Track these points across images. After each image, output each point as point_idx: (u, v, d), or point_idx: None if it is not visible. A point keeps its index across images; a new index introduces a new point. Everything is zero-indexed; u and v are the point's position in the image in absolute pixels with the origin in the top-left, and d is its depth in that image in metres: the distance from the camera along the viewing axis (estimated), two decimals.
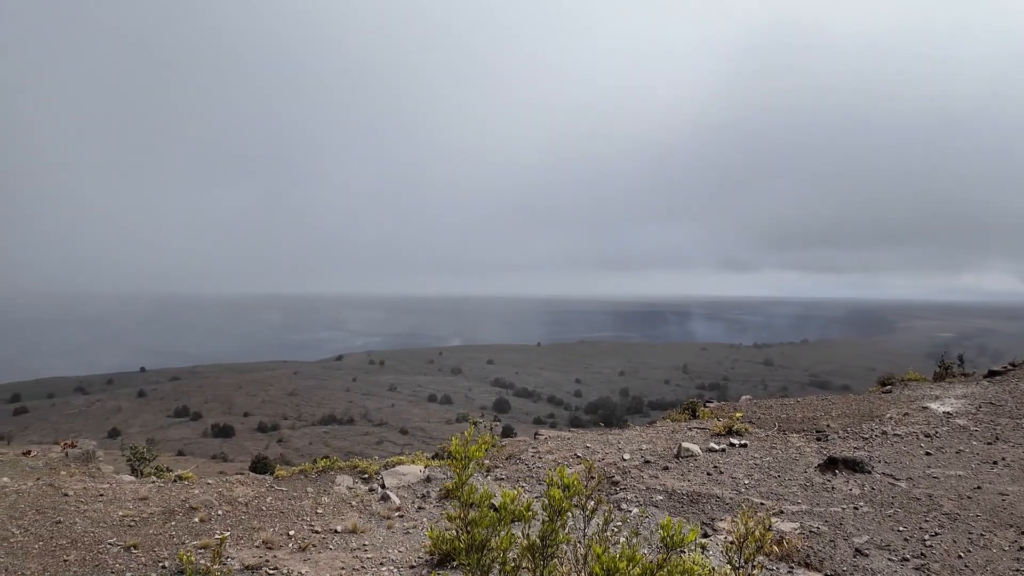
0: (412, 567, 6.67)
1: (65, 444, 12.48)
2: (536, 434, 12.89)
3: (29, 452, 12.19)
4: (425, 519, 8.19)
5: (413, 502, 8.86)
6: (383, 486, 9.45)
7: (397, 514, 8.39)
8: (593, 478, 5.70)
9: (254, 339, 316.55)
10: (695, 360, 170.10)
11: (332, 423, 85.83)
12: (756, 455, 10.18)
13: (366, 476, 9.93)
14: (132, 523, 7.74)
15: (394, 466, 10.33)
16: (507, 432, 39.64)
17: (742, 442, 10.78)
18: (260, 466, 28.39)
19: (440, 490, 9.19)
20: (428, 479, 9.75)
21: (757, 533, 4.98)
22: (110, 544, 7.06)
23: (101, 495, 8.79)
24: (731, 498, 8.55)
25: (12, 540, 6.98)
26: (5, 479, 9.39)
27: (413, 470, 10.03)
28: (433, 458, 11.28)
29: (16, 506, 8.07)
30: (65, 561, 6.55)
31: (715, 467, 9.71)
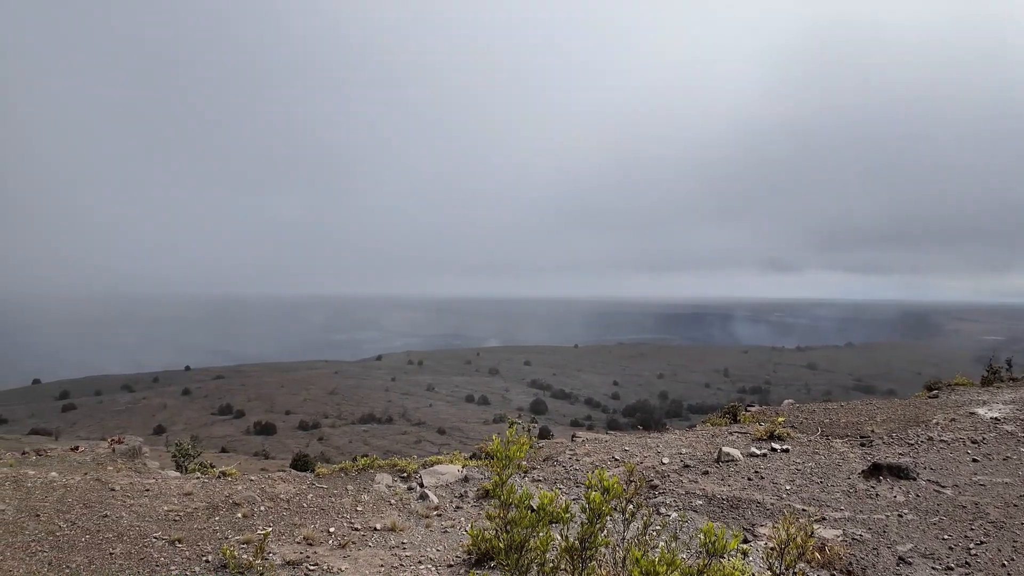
0: (450, 566, 6.68)
1: (112, 440, 12.80)
2: (573, 436, 12.81)
3: (77, 448, 12.53)
4: (463, 518, 8.20)
5: (451, 501, 8.89)
6: (422, 485, 9.49)
7: (435, 513, 8.42)
8: (633, 482, 5.61)
9: (297, 339, 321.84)
10: (736, 363, 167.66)
11: (371, 422, 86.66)
12: (798, 460, 9.94)
13: (405, 475, 10.00)
14: (177, 518, 7.90)
15: (432, 465, 10.38)
16: (544, 434, 39.55)
17: (784, 447, 10.53)
18: (301, 463, 28.81)
19: (478, 490, 9.20)
20: (466, 479, 9.77)
21: (799, 539, 4.86)
22: (155, 538, 7.21)
23: (147, 490, 8.98)
24: (772, 504, 8.36)
25: (59, 533, 7.16)
26: (53, 474, 9.65)
27: (451, 470, 10.05)
28: (471, 458, 11.30)
29: (64, 500, 8.28)
30: (111, 554, 6.70)
31: (756, 472, 9.50)
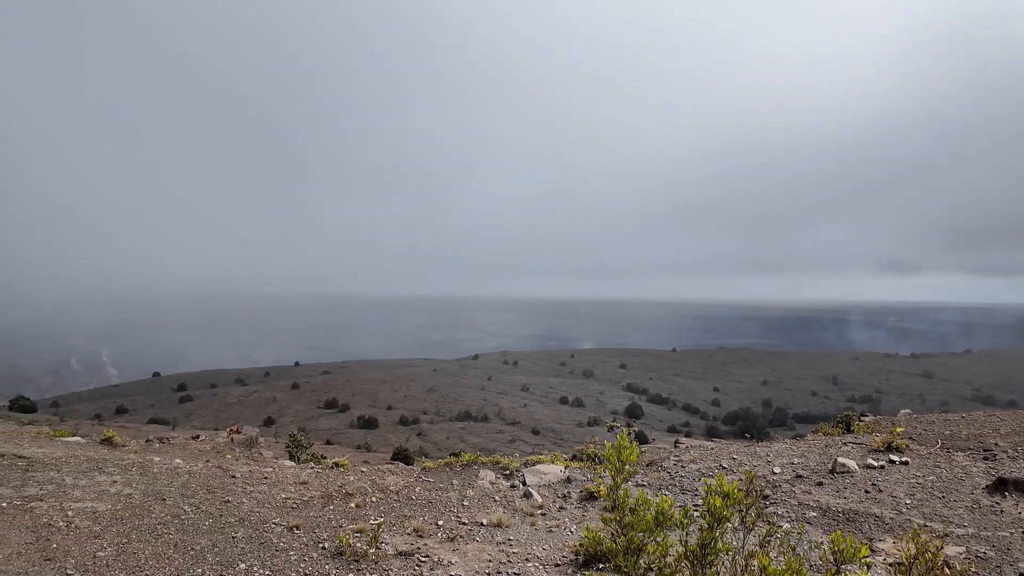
0: (557, 565, 6.65)
1: (231, 430, 13.53)
2: (676, 442, 12.54)
3: (198, 436, 13.31)
4: (567, 519, 8.18)
5: (554, 502, 8.90)
6: (524, 483, 9.53)
7: (540, 512, 8.44)
8: (754, 490, 5.41)
9: (399, 337, 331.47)
10: (846, 370, 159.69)
11: (468, 419, 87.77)
12: (918, 473, 9.43)
13: (507, 472, 10.08)
14: (294, 505, 8.25)
15: (534, 465, 10.41)
16: (641, 439, 38.95)
17: (903, 459, 10.01)
18: (401, 457, 29.56)
19: (581, 492, 9.15)
20: (568, 480, 9.75)
21: (928, 555, 4.55)
22: (274, 524, 7.54)
23: (265, 478, 9.43)
24: (891, 518, 7.95)
25: (184, 517, 7.59)
26: (178, 460, 10.27)
27: (553, 470, 10.04)
28: (572, 459, 11.25)
29: (188, 485, 8.79)
30: (233, 538, 7.05)
31: (874, 485, 9.08)
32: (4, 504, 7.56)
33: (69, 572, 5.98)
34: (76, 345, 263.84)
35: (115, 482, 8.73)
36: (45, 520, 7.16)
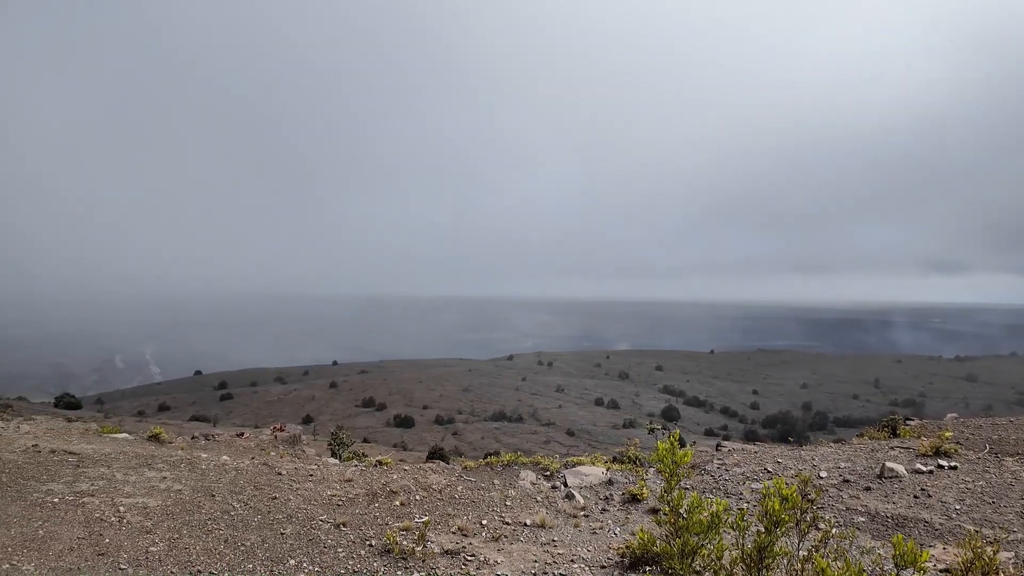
0: (603, 567, 6.60)
1: (275, 428, 13.72)
2: (718, 445, 12.39)
3: (242, 434, 13.52)
4: (610, 521, 8.12)
5: (597, 503, 8.85)
6: (566, 484, 9.49)
7: (583, 513, 8.40)
8: (808, 494, 5.28)
9: (434, 337, 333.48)
10: (888, 373, 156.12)
11: (502, 420, 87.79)
12: (967, 479, 9.25)
13: (548, 473, 10.05)
14: (340, 503, 8.32)
15: (575, 466, 10.35)
16: (678, 442, 38.42)
17: (952, 464, 9.83)
18: (438, 456, 29.69)
19: (623, 494, 9.08)
20: (610, 482, 9.68)
21: (985, 559, 4.41)
22: (321, 521, 7.61)
23: (311, 475, 9.53)
24: (941, 524, 7.81)
25: (233, 513, 7.69)
26: (225, 457, 10.43)
27: (595, 471, 9.97)
28: (612, 461, 11.17)
29: (235, 482, 8.91)
30: (282, 534, 7.12)
31: (922, 490, 8.92)
32: (56, 500, 7.74)
33: (122, 567, 6.08)
34: (120, 344, 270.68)
35: (164, 478, 8.89)
36: (97, 515, 7.31)
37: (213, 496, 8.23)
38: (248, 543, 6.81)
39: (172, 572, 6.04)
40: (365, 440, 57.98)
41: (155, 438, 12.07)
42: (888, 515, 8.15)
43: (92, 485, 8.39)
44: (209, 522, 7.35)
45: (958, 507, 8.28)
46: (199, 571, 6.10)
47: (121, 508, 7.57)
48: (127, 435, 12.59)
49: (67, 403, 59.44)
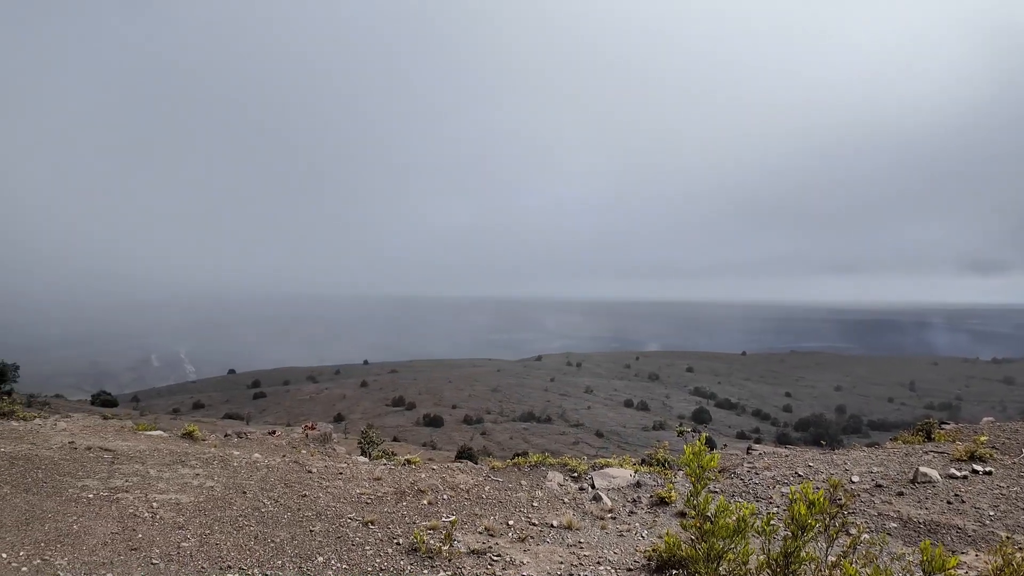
0: (629, 570, 6.58)
1: (306, 427, 13.88)
2: (749, 448, 12.25)
3: (274, 432, 13.71)
4: (637, 524, 8.08)
5: (624, 505, 8.80)
6: (593, 486, 9.46)
7: (610, 516, 8.37)
8: (839, 499, 5.19)
9: (463, 337, 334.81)
10: (923, 376, 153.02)
11: (531, 420, 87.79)
12: (1002, 484, 9.07)
13: (575, 475, 10.02)
14: (368, 501, 8.39)
15: (603, 468, 10.31)
16: (709, 445, 38.10)
17: (986, 469, 9.63)
18: (466, 455, 29.81)
19: (651, 497, 9.02)
20: (638, 484, 9.62)
21: (1014, 565, 4.32)
22: (350, 519, 7.69)
23: (340, 473, 9.63)
24: (974, 530, 7.70)
25: (263, 510, 7.80)
26: (257, 455, 10.58)
27: (623, 474, 9.92)
28: (641, 463, 11.10)
29: (267, 479, 9.04)
30: (311, 531, 7.20)
31: (956, 495, 8.77)
32: (91, 495, 7.90)
33: (154, 562, 6.19)
34: (157, 344, 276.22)
35: (197, 475, 9.04)
36: (131, 511, 7.46)
37: (244, 493, 8.35)
38: (278, 539, 6.90)
39: (203, 567, 6.14)
40: (395, 439, 58.43)
41: (189, 435, 12.28)
42: (921, 521, 8.01)
43: (126, 481, 8.56)
44: (240, 518, 7.45)
45: (992, 513, 8.13)
46: (229, 567, 6.19)
47: (154, 504, 7.71)
48: (161, 432, 12.83)
49: (103, 401, 60.79)
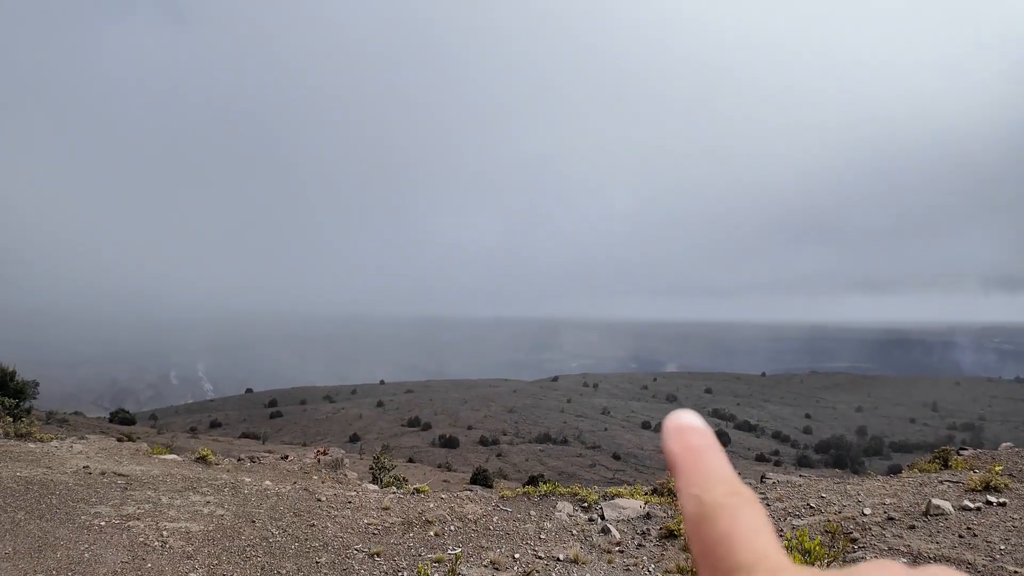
0: None
1: (318, 452, 13.92)
2: (763, 477, 12.10)
3: (287, 457, 13.76)
4: (645, 558, 7.99)
5: (633, 538, 8.71)
6: (603, 517, 9.38)
7: (617, 549, 8.28)
8: (838, 543, 5.13)
9: (481, 357, 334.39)
10: (946, 396, 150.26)
11: (547, 442, 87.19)
12: (1015, 516, 8.81)
13: (586, 505, 9.95)
14: (376, 531, 8.39)
15: (613, 498, 10.23)
16: None
17: (1000, 500, 9.34)
18: (481, 477, 29.70)
19: (660, 529, 8.92)
20: (648, 516, 9.53)
21: None
22: (356, 550, 7.69)
23: (349, 502, 9.64)
24: (984, 566, 7.49)
25: (271, 540, 7.83)
26: (267, 482, 10.62)
27: (633, 504, 9.84)
28: (652, 493, 11.00)
29: (276, 508, 9.07)
30: (317, 563, 7.22)
31: (968, 529, 8.52)
32: (103, 523, 7.98)
33: None
34: (176, 361, 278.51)
35: (208, 502, 9.10)
36: (141, 539, 7.52)
37: (254, 522, 8.39)
38: (284, 571, 6.92)
39: None
40: (410, 460, 58.28)
41: (202, 459, 12.37)
42: (931, 555, 7.85)
43: (138, 508, 8.63)
44: (248, 548, 7.49)
45: (1003, 547, 7.93)
46: None
47: (164, 532, 7.77)
48: (175, 457, 12.93)
49: (122, 419, 61.22)
